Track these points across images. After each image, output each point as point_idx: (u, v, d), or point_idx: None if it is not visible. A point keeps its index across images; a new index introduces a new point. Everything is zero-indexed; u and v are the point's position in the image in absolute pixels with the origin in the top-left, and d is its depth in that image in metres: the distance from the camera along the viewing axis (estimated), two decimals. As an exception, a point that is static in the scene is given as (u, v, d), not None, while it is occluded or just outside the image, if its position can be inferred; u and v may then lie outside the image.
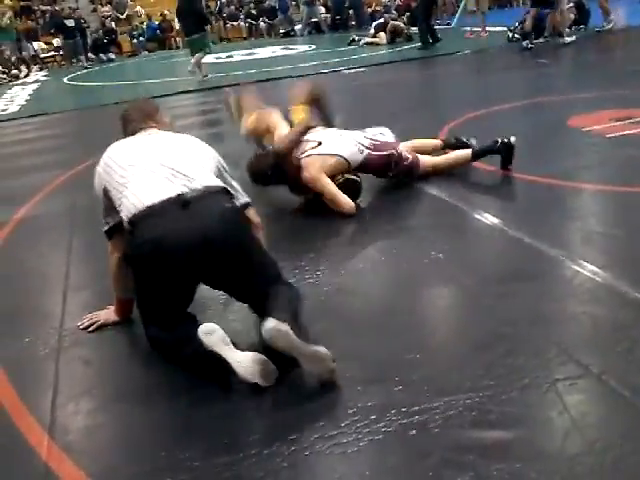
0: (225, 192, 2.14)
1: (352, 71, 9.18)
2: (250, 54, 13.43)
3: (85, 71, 13.78)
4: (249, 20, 18.01)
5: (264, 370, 1.87)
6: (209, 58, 13.24)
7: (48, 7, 16.67)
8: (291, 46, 14.19)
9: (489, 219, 3.04)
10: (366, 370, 1.95)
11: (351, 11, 17.08)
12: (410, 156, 3.58)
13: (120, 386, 2.07)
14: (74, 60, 15.05)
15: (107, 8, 17.43)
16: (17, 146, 6.47)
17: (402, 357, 1.99)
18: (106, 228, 2.26)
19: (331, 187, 3.29)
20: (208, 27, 10.35)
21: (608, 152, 3.94)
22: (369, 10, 16.98)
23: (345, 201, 3.27)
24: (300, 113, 3.80)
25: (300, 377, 1.90)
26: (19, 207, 4.04)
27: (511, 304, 2.24)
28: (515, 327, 2.10)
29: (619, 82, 5.92)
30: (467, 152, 3.71)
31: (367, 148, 3.46)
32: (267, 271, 2.11)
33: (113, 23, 16.98)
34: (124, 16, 17.64)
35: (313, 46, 13.71)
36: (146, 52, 16.82)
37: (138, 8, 17.63)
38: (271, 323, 1.79)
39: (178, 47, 16.89)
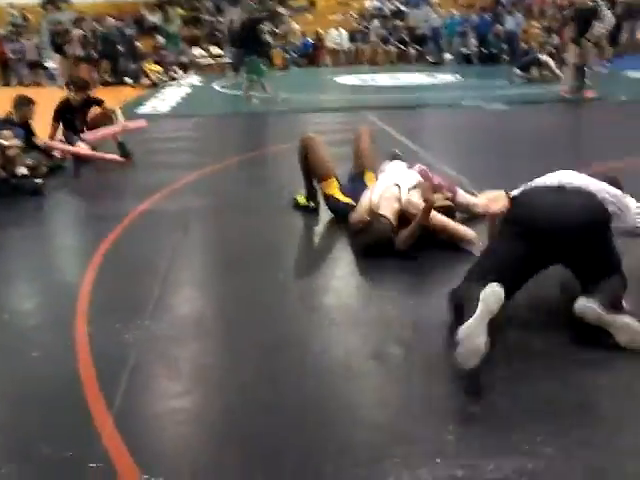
0: (593, 195, 2.47)
1: (492, 107, 8.93)
2: (394, 79, 13.48)
3: (235, 80, 14.48)
4: (399, 45, 18.12)
5: None
6: (352, 79, 13.55)
7: (213, 18, 17.76)
8: (437, 75, 14.06)
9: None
10: (423, 414, 1.90)
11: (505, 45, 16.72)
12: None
13: (190, 388, 2.14)
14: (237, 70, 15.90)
15: (266, 23, 18.23)
16: (157, 143, 6.93)
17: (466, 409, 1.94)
18: None
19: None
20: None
21: None
22: (525, 46, 16.49)
23: (466, 229, 3.27)
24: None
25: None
26: (142, 201, 4.32)
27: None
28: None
29: None
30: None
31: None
32: (602, 266, 2.39)
33: (269, 37, 17.73)
34: (280, 31, 18.39)
35: (458, 76, 13.51)
36: (295, 67, 17.44)
37: (294, 25, 18.31)
38: (581, 301, 2.20)
39: (327, 65, 17.44)
